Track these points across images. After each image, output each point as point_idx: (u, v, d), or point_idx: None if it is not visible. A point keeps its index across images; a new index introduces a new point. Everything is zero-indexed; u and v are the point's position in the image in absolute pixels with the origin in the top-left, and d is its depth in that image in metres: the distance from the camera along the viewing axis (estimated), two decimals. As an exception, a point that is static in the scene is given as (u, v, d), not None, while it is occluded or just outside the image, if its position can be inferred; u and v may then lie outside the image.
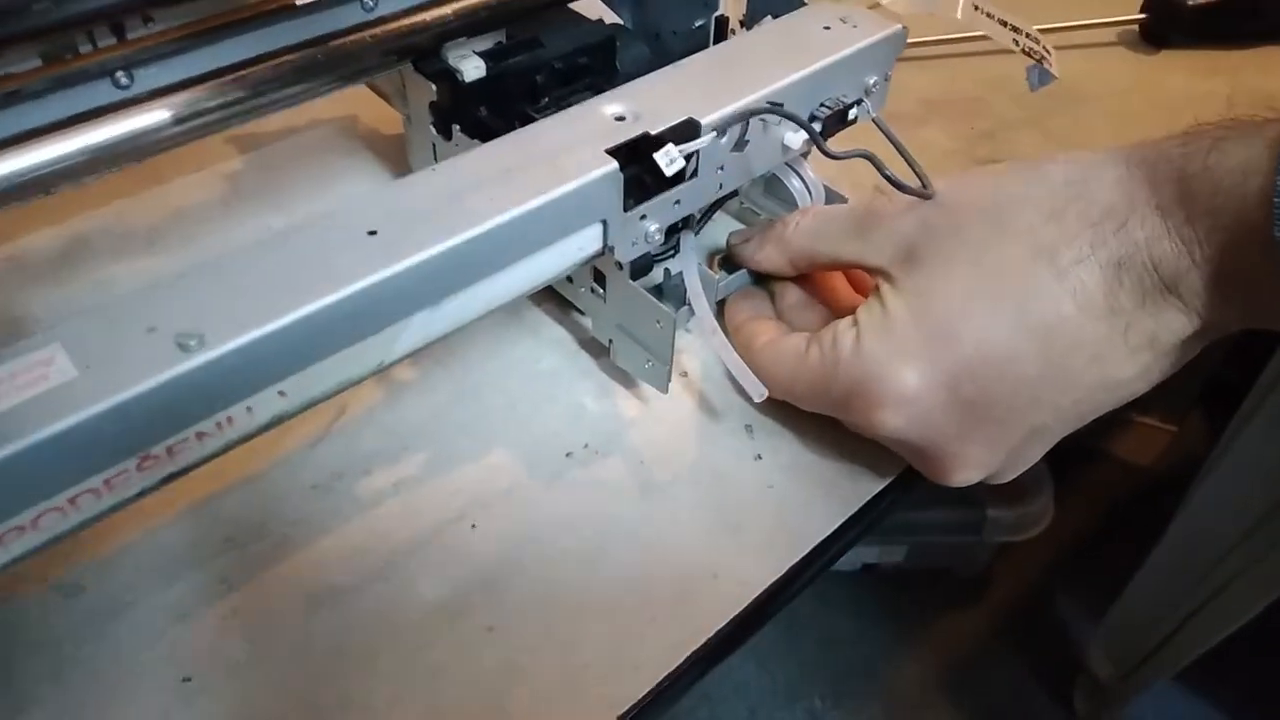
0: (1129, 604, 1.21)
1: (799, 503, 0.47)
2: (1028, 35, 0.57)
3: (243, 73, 0.44)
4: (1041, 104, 0.65)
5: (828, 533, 0.46)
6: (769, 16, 0.53)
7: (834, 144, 0.45)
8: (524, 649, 0.41)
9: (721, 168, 0.46)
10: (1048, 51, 0.57)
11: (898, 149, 0.44)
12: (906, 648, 1.43)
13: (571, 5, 0.54)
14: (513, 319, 0.54)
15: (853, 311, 0.44)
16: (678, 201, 0.45)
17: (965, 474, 0.43)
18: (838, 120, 0.50)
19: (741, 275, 0.51)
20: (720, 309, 0.51)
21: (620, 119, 0.44)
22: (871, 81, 0.51)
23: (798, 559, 0.45)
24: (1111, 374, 0.40)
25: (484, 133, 0.49)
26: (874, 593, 1.46)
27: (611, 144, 0.42)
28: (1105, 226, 0.38)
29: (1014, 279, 0.40)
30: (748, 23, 0.55)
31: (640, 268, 0.48)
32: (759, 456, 0.48)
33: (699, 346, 0.53)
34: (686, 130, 0.43)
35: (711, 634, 0.42)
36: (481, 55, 0.49)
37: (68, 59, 0.40)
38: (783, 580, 0.44)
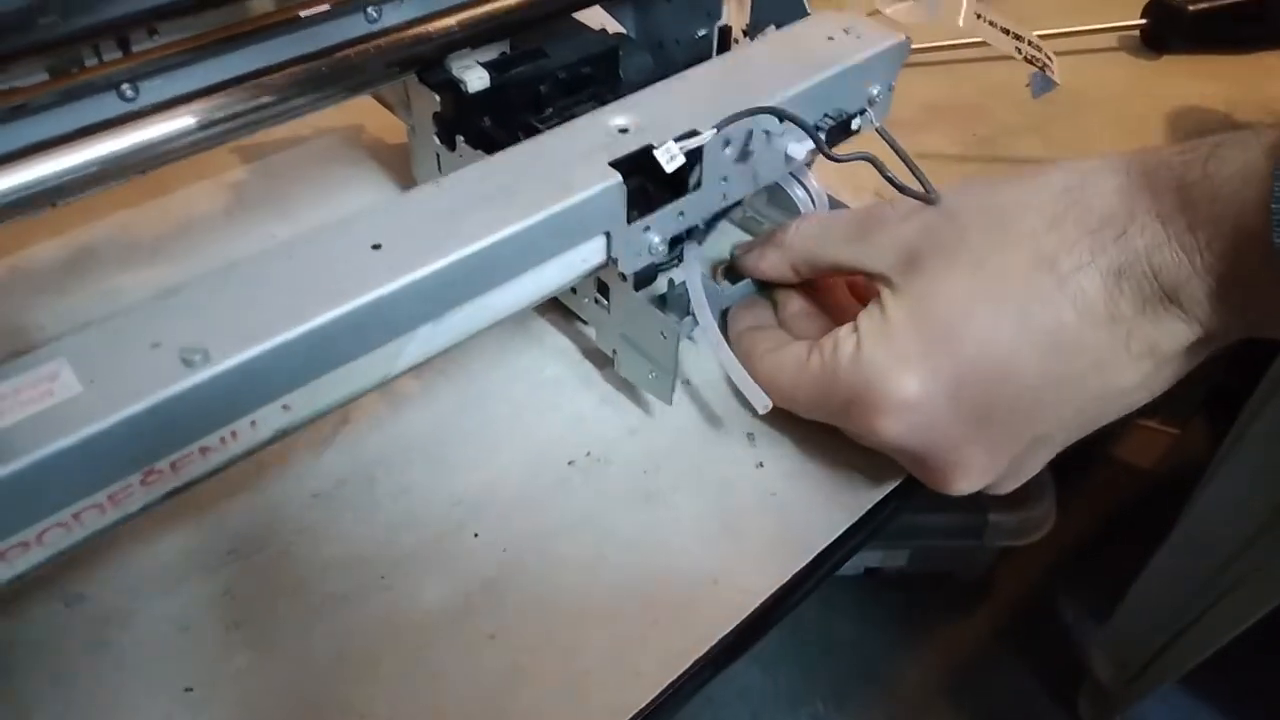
0: (1132, 608, 1.20)
1: (801, 510, 0.47)
2: (1030, 43, 0.57)
3: (247, 85, 0.44)
4: (1043, 110, 0.65)
5: (829, 540, 0.46)
6: (772, 26, 0.53)
7: (836, 150, 0.45)
8: (526, 656, 0.41)
9: (725, 178, 0.46)
10: (1049, 59, 0.57)
11: (901, 157, 0.44)
12: (909, 652, 1.43)
13: (575, 15, 0.54)
14: (517, 328, 0.54)
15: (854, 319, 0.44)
16: (681, 213, 0.45)
17: (966, 482, 0.43)
18: (841, 130, 0.50)
19: (745, 285, 0.51)
20: (724, 319, 0.51)
21: (623, 131, 0.44)
22: (875, 92, 0.51)
23: (800, 567, 0.45)
24: (1113, 382, 0.40)
25: (488, 143, 0.49)
26: (877, 597, 1.46)
27: (614, 156, 0.42)
28: (1105, 234, 0.38)
29: (1015, 286, 0.40)
30: (750, 32, 0.56)
31: (644, 278, 0.48)
32: (761, 464, 0.49)
33: (700, 354, 0.53)
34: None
35: (714, 642, 0.42)
36: (485, 66, 0.49)
37: (74, 72, 0.40)
38: (785, 588, 0.44)
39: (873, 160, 0.44)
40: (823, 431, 0.48)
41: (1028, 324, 0.39)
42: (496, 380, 0.52)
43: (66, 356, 0.32)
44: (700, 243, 0.51)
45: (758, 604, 0.43)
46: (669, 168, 0.41)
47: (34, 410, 0.30)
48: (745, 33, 0.56)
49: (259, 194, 0.62)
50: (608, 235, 0.43)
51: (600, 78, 0.52)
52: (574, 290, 0.50)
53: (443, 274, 0.37)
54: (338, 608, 0.42)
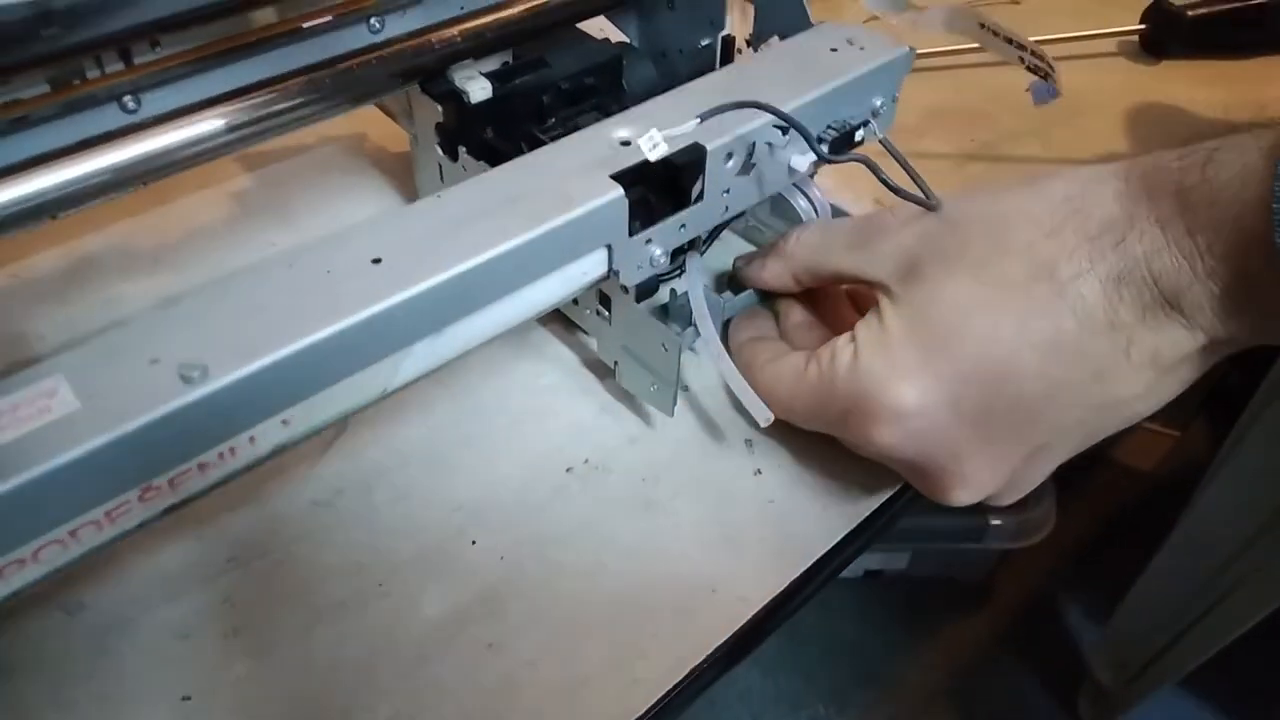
0: (1132, 610, 1.20)
1: (799, 517, 0.47)
2: (1033, 52, 0.57)
3: (250, 97, 0.44)
4: (1042, 115, 0.65)
5: (828, 547, 0.46)
6: (776, 37, 0.53)
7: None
8: (524, 664, 0.41)
9: (727, 191, 0.46)
10: (1052, 68, 0.57)
11: (904, 167, 0.44)
12: (910, 654, 1.43)
13: (578, 24, 0.54)
14: (516, 337, 0.54)
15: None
16: (683, 225, 0.45)
17: (965, 493, 0.42)
18: (845, 142, 0.49)
19: (748, 295, 0.51)
20: (726, 329, 0.51)
21: (625, 143, 0.43)
22: (879, 103, 0.50)
23: (798, 574, 0.45)
24: (1114, 391, 0.39)
25: (490, 154, 0.49)
26: (877, 599, 1.46)
27: (616, 169, 0.42)
28: (1104, 241, 0.38)
29: (1014, 294, 0.39)
30: (754, 42, 0.55)
31: (646, 289, 0.48)
32: (759, 471, 0.48)
33: (700, 362, 0.53)
34: (693, 155, 0.43)
35: (712, 649, 0.42)
36: (488, 76, 0.49)
37: (76, 84, 0.40)
38: (783, 595, 0.44)
39: (867, 163, 0.44)
40: (821, 439, 0.47)
41: (1027, 332, 0.39)
42: (495, 388, 0.52)
43: (64, 373, 0.32)
44: (702, 253, 0.51)
45: (756, 611, 0.43)
46: (651, 156, 0.40)
47: (31, 427, 0.30)
48: (749, 43, 0.56)
49: (261, 202, 0.62)
50: (609, 248, 0.43)
51: (603, 87, 0.52)
52: (575, 301, 0.50)
53: (443, 289, 0.37)
54: (336, 615, 0.42)
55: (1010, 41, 0.57)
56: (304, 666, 0.41)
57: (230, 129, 0.44)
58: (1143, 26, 0.83)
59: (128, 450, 0.31)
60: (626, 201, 0.41)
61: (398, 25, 0.48)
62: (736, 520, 0.47)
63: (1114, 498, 1.55)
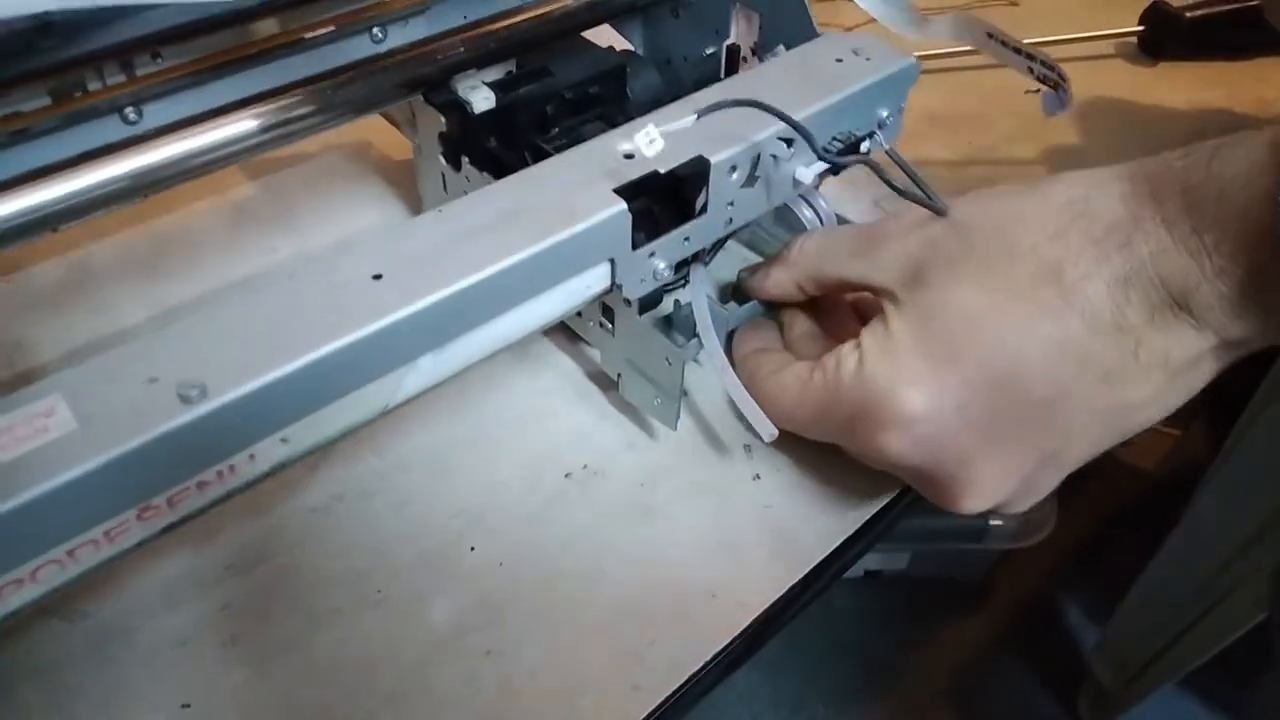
0: (1133, 609, 1.20)
1: (798, 522, 0.47)
2: (1043, 62, 0.56)
3: (252, 107, 0.44)
4: (1039, 118, 0.65)
5: (826, 553, 0.46)
6: (781, 46, 0.53)
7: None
8: (523, 670, 0.41)
9: (731, 203, 0.46)
10: (1063, 77, 0.56)
11: (910, 176, 0.43)
12: (910, 654, 1.43)
13: (583, 33, 0.54)
14: (518, 347, 0.54)
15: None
16: (687, 238, 0.45)
17: (974, 501, 0.42)
18: (850, 152, 0.49)
19: (752, 306, 0.51)
20: (730, 340, 0.51)
21: (629, 156, 0.43)
22: (884, 114, 0.50)
23: (797, 579, 0.45)
24: (1123, 394, 0.39)
25: (493, 164, 0.49)
26: (877, 599, 1.46)
27: (619, 182, 0.41)
28: (1109, 243, 0.38)
29: (1020, 298, 0.39)
30: (759, 51, 0.55)
31: (650, 302, 0.48)
32: (757, 477, 0.49)
33: (699, 368, 0.53)
34: (696, 167, 0.43)
35: (711, 655, 0.42)
36: (491, 86, 0.49)
37: (77, 96, 0.40)
38: (782, 600, 0.44)
39: (871, 164, 0.43)
40: (819, 444, 0.47)
41: (1033, 336, 0.39)
42: (495, 394, 0.52)
43: (61, 392, 0.32)
44: (707, 264, 0.51)
45: (755, 616, 0.43)
46: (649, 153, 0.40)
47: (28, 447, 0.30)
48: (754, 52, 0.55)
49: (263, 210, 0.62)
50: (612, 262, 0.42)
51: (607, 96, 0.52)
52: (579, 313, 0.50)
53: (444, 304, 0.36)
54: (335, 621, 0.42)
55: (1019, 51, 0.57)
56: (303, 673, 0.41)
57: (232, 140, 0.43)
58: (1141, 28, 0.83)
59: (126, 470, 0.31)
60: (630, 215, 0.41)
61: (400, 35, 0.48)
62: (735, 525, 0.47)
63: (1114, 498, 1.54)
